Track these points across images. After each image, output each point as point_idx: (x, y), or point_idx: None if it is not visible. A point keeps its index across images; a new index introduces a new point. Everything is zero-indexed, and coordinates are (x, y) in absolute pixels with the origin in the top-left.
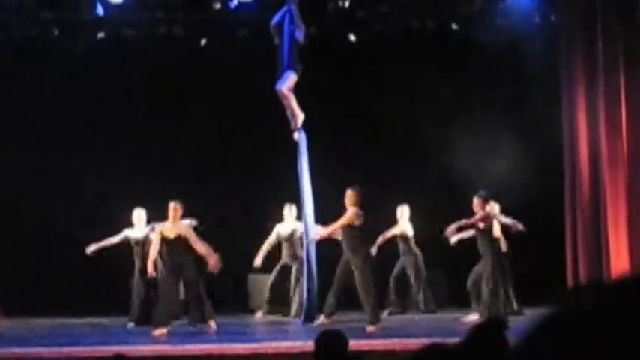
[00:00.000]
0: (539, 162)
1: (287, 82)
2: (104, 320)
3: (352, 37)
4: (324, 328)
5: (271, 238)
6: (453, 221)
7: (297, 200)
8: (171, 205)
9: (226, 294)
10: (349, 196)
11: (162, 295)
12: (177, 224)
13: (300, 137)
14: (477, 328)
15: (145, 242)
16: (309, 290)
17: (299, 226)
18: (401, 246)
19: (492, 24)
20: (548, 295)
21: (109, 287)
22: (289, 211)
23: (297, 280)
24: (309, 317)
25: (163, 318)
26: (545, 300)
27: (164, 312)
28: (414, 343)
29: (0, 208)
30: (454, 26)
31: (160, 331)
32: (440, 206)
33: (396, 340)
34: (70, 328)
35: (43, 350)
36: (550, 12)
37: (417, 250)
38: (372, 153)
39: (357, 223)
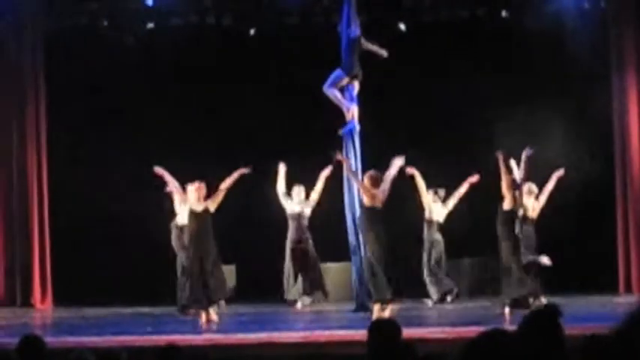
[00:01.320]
0: (590, 147)
1: (330, 82)
2: (154, 310)
3: (402, 26)
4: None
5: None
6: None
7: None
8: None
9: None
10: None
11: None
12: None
13: (346, 133)
14: (533, 316)
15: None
16: (360, 279)
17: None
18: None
19: (542, 11)
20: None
21: (159, 276)
22: (298, 192)
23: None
24: (361, 306)
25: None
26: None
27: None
28: (466, 331)
29: (54, 198)
30: (504, 13)
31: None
32: (491, 192)
33: (448, 329)
34: (121, 317)
35: (95, 339)
36: None
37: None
38: (421, 141)
39: None
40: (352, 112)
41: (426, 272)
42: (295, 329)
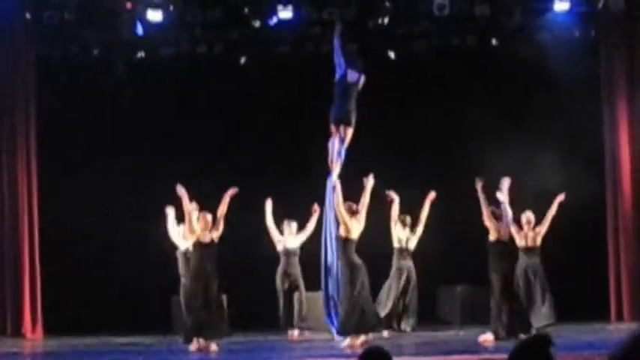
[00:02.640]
0: (581, 176)
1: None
2: (145, 339)
3: (391, 54)
4: (368, 345)
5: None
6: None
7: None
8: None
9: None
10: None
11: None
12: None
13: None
14: (524, 345)
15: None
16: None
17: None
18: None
19: (532, 39)
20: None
21: (150, 306)
22: (289, 226)
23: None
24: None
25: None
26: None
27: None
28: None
29: (45, 227)
30: (494, 42)
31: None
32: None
33: (440, 357)
34: (112, 347)
35: None
36: (589, 26)
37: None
38: (410, 168)
39: None
40: (333, 165)
41: (394, 301)
42: (287, 358)
